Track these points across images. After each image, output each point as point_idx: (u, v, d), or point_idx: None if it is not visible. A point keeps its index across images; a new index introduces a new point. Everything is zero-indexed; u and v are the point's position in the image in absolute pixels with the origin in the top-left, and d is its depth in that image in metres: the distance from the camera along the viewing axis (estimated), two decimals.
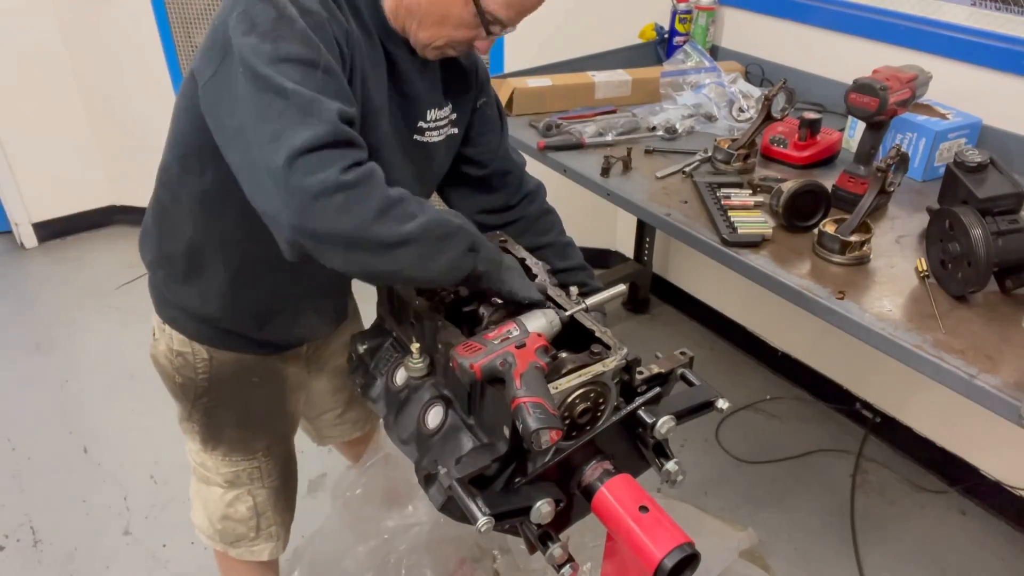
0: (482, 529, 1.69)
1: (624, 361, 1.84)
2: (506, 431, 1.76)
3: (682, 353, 2.01)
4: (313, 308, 2.43)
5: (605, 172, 3.13)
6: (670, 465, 1.88)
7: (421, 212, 1.76)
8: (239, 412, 2.51)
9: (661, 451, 1.91)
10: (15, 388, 4.74)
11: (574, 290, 2.10)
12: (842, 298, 2.41)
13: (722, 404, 1.95)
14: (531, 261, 2.20)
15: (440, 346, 1.98)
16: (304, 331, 2.49)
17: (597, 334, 1.92)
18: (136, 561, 3.68)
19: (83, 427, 4.44)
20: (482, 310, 2.08)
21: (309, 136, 1.61)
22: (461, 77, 2.28)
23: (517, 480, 1.81)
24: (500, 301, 2.04)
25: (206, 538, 2.72)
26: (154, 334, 2.45)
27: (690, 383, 2.00)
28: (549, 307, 2.00)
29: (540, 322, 1.91)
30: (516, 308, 1.99)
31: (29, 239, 6.21)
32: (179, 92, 2.06)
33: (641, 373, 1.91)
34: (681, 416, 1.91)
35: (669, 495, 3.11)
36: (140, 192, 6.17)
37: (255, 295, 2.27)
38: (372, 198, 1.67)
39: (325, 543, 3.05)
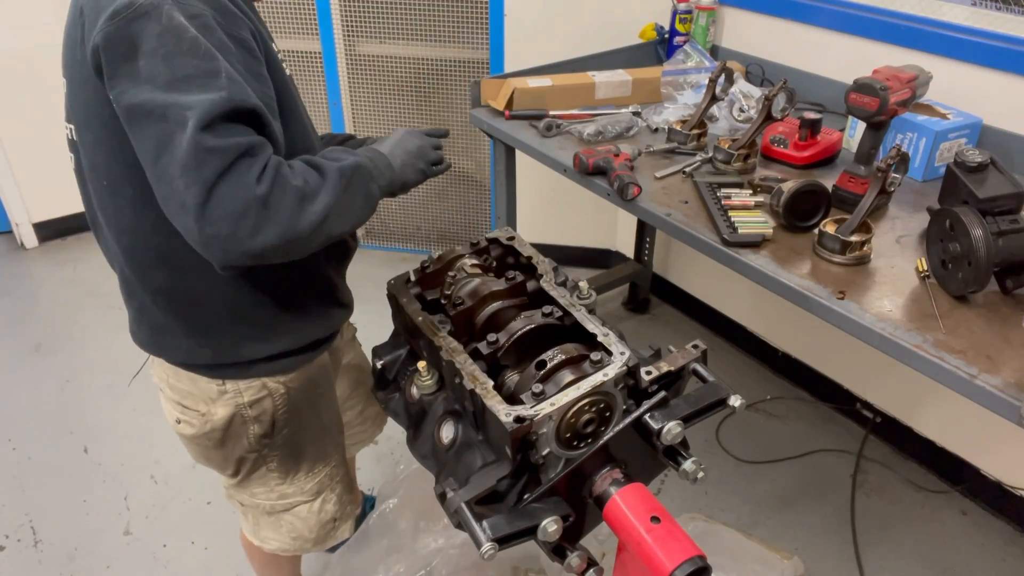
0: (486, 555, 1.68)
1: (626, 367, 1.83)
2: (508, 450, 1.75)
3: (694, 346, 2.00)
4: (332, 274, 2.42)
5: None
6: (687, 465, 1.87)
7: (319, 178, 1.90)
8: (314, 426, 2.56)
9: (675, 452, 1.90)
10: (16, 388, 4.75)
11: (584, 284, 2.09)
12: (842, 298, 2.40)
13: (735, 401, 1.93)
14: (537, 259, 2.19)
15: (444, 363, 1.97)
16: (345, 300, 2.51)
17: (599, 337, 1.91)
18: (136, 561, 3.68)
19: (83, 427, 4.44)
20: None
21: (211, 173, 1.69)
22: None
23: (526, 496, 1.80)
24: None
25: (294, 551, 2.80)
26: (194, 409, 2.37)
27: (703, 379, 1.98)
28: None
29: None
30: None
31: (29, 239, 6.22)
32: (92, 135, 2.01)
33: (649, 373, 1.90)
34: (691, 417, 1.89)
35: (714, 518, 3.10)
36: None
37: (313, 292, 2.35)
38: (287, 195, 1.78)
39: (357, 557, 3.04)
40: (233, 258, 1.74)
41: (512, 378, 1.96)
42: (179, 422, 2.42)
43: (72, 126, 2.08)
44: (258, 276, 2.16)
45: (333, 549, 3.06)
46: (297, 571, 3.23)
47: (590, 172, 3.01)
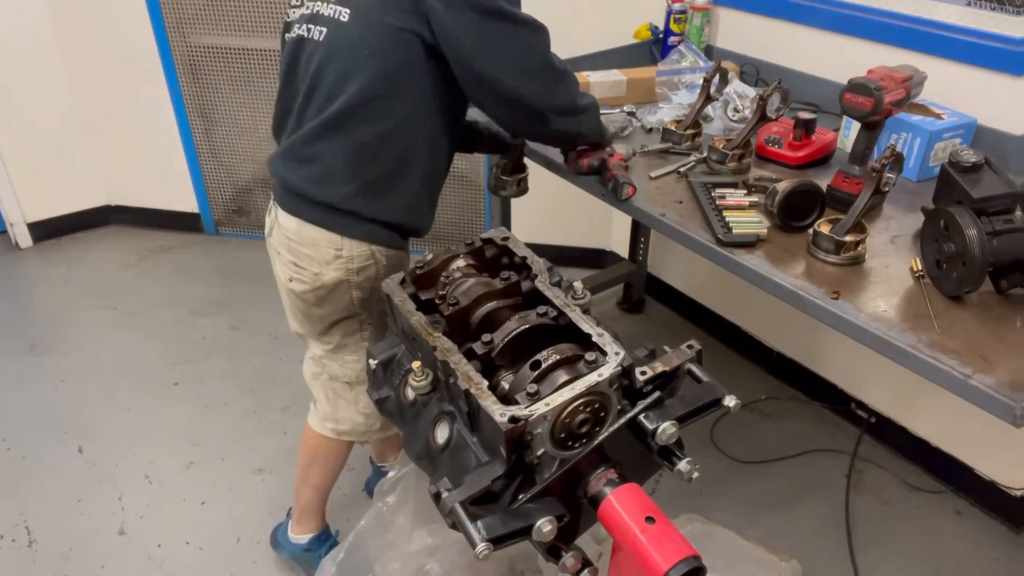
0: (480, 556, 1.68)
1: (620, 368, 1.83)
2: (502, 450, 1.75)
3: (689, 347, 2.00)
4: (437, 193, 2.92)
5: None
6: (682, 465, 1.87)
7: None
8: None
9: (670, 452, 1.90)
10: (10, 388, 4.74)
11: (578, 285, 2.10)
12: (837, 298, 2.40)
13: (730, 402, 1.93)
14: (531, 259, 2.19)
15: (439, 364, 1.97)
16: (433, 219, 2.94)
17: (594, 338, 1.91)
18: (131, 561, 3.68)
19: (78, 427, 4.44)
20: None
21: (545, 45, 2.54)
22: None
23: (521, 496, 1.80)
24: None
25: (364, 431, 3.19)
26: (308, 268, 2.74)
27: (697, 379, 1.98)
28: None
29: None
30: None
31: (24, 239, 6.21)
32: (373, 19, 2.47)
33: (644, 373, 1.90)
34: (686, 418, 1.89)
35: (709, 519, 3.11)
36: (136, 191, 6.18)
37: (436, 185, 2.84)
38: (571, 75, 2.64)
39: (353, 555, 3.04)
40: (552, 108, 2.60)
41: (507, 378, 1.96)
42: (291, 280, 2.80)
43: (345, 8, 2.52)
44: (429, 164, 2.72)
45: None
46: (334, 483, 3.49)
47: (584, 172, 3.01)
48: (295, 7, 2.69)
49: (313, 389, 3.18)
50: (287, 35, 2.72)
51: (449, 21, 2.37)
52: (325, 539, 3.53)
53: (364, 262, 2.72)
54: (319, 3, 2.57)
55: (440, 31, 2.40)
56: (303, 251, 2.72)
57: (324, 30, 2.54)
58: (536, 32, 2.53)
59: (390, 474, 2.88)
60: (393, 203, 2.68)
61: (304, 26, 2.61)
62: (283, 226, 2.76)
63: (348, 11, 2.49)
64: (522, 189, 3.28)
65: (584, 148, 3.00)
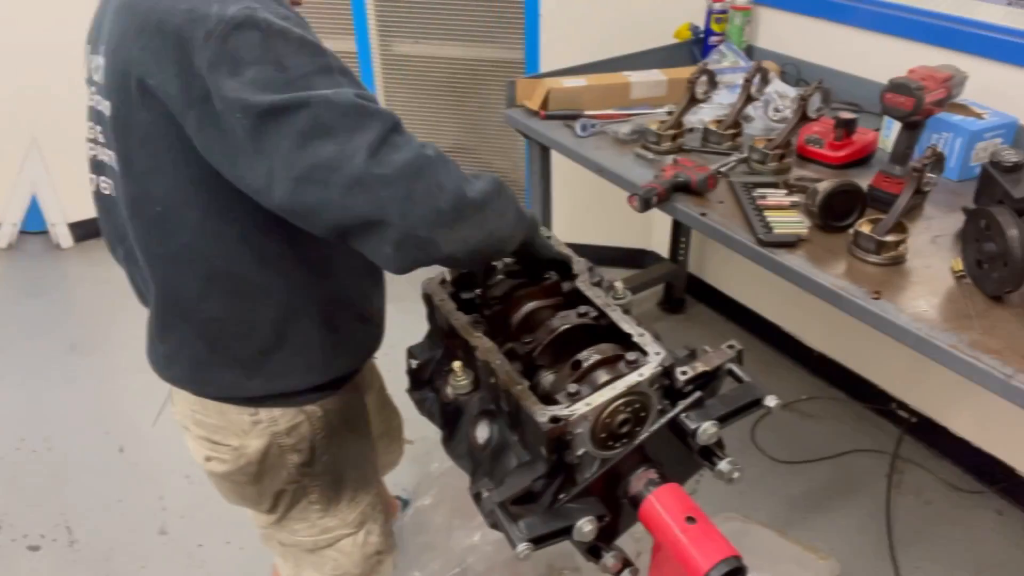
0: (521, 556, 1.68)
1: (661, 367, 1.83)
2: (543, 450, 1.76)
3: (730, 346, 2.00)
4: (379, 297, 2.39)
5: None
6: (723, 465, 1.86)
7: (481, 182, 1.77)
8: (353, 450, 2.50)
9: (711, 452, 1.90)
10: (51, 389, 4.78)
11: (619, 285, 2.09)
12: (878, 298, 2.40)
13: (771, 402, 1.92)
14: (572, 260, 2.19)
15: (480, 364, 1.97)
16: (380, 327, 2.43)
17: (634, 337, 1.91)
18: (172, 561, 3.71)
19: (118, 427, 4.47)
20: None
21: (377, 131, 1.61)
22: None
23: (561, 496, 1.80)
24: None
25: None
26: (225, 443, 2.27)
27: (738, 379, 1.98)
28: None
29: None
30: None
31: (65, 239, 6.25)
32: (149, 163, 1.89)
33: (685, 373, 1.89)
34: (726, 418, 1.89)
35: (749, 518, 3.11)
36: None
37: (348, 316, 2.25)
38: (449, 162, 1.70)
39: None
40: (407, 229, 1.61)
41: (547, 378, 1.96)
42: (209, 460, 2.33)
43: (112, 152, 1.95)
44: (316, 301, 2.11)
45: None
46: None
47: (668, 195, 2.98)
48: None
49: (270, 549, 2.76)
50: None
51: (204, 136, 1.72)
52: None
53: (292, 421, 2.24)
54: (97, 154, 2.08)
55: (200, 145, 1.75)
56: (212, 424, 2.26)
57: (99, 198, 2.17)
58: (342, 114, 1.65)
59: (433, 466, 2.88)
60: (298, 365, 2.17)
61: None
62: (182, 395, 2.29)
63: (117, 165, 1.96)
64: None
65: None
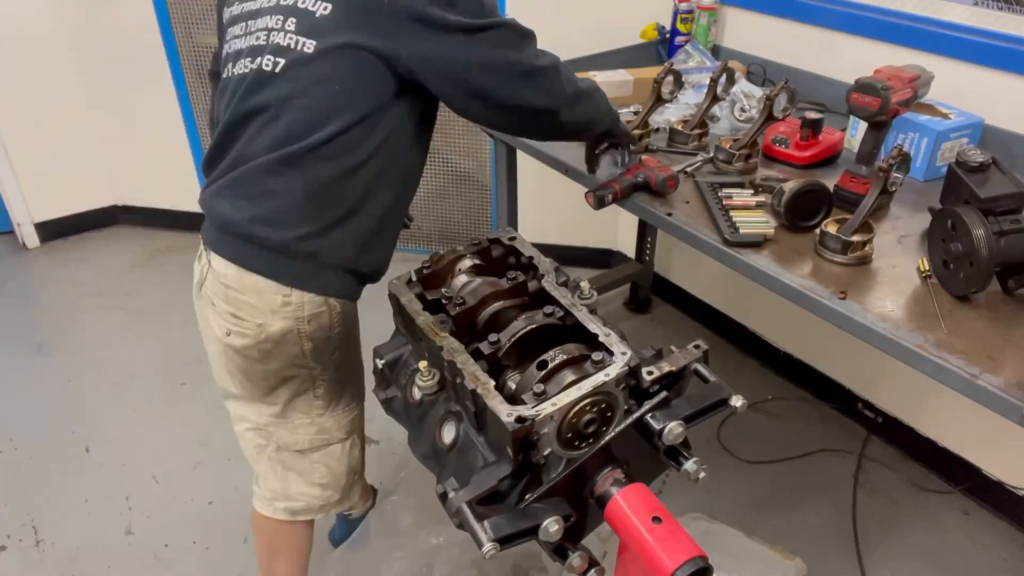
0: (487, 555, 1.68)
1: (627, 367, 1.83)
2: (509, 450, 1.75)
3: (696, 347, 2.00)
4: (394, 233, 2.67)
5: (591, 170, 3.13)
6: (689, 465, 1.87)
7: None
8: (355, 357, 2.74)
9: (677, 452, 1.90)
10: (17, 389, 4.75)
11: (585, 284, 2.10)
12: (844, 298, 2.40)
13: (737, 402, 1.93)
14: (538, 259, 2.19)
15: (446, 363, 1.97)
16: (392, 250, 2.67)
17: (600, 337, 1.91)
18: (139, 561, 3.69)
19: (85, 427, 4.45)
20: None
21: (531, 45, 2.41)
22: None
23: (527, 496, 1.80)
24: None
25: (321, 505, 2.89)
26: (250, 320, 2.46)
27: (704, 379, 1.98)
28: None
29: None
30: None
31: (31, 239, 6.22)
32: (344, 53, 2.24)
33: (651, 373, 1.90)
34: (692, 418, 1.89)
35: (715, 518, 3.11)
36: (143, 192, 6.19)
37: (395, 225, 2.60)
38: (567, 66, 2.51)
39: (358, 555, 3.04)
40: (566, 100, 2.48)
41: (513, 378, 1.96)
42: (229, 334, 2.49)
43: (308, 39, 2.26)
44: (388, 200, 2.46)
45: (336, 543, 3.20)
46: (307, 567, 3.14)
47: (627, 195, 2.99)
48: (237, 37, 2.44)
49: (256, 465, 2.86)
50: (231, 67, 2.44)
51: (436, 45, 2.22)
52: None
53: (316, 309, 2.47)
54: (276, 32, 2.32)
55: (426, 57, 2.25)
56: (244, 300, 2.44)
57: (282, 62, 2.30)
58: (520, 35, 2.39)
59: (399, 466, 2.87)
60: (352, 246, 2.44)
61: (256, 59, 2.34)
62: (219, 273, 2.45)
63: (313, 42, 2.25)
64: None
65: (607, 147, 2.96)
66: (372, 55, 2.21)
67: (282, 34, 2.30)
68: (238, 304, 2.44)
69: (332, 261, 2.42)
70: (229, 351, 2.54)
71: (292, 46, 2.28)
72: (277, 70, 2.29)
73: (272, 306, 2.41)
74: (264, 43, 2.33)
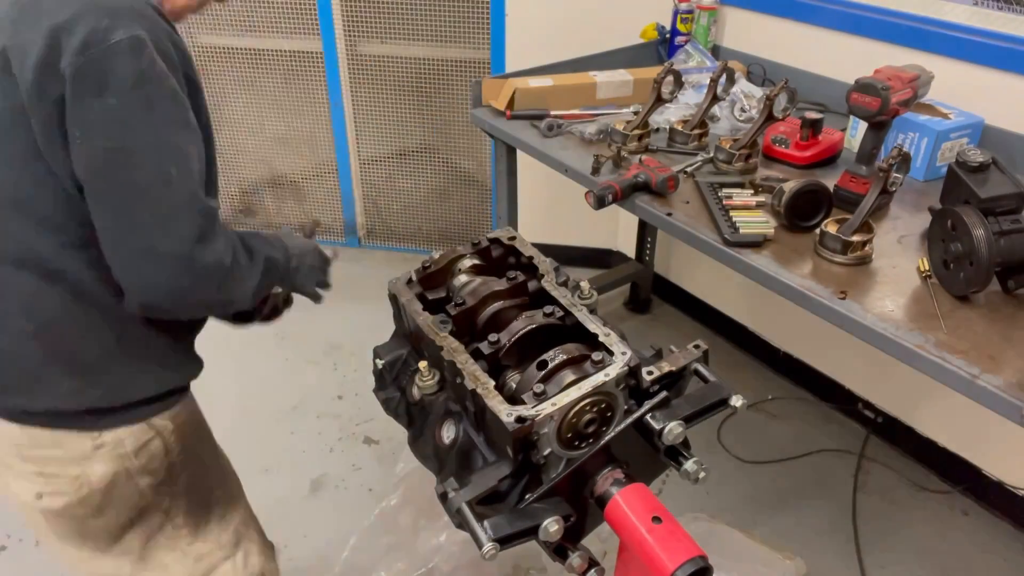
0: (487, 556, 1.68)
1: (627, 367, 1.83)
2: (509, 450, 1.75)
3: (696, 346, 2.00)
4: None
5: (595, 171, 3.13)
6: (689, 465, 1.86)
7: (249, 260, 2.02)
8: (211, 463, 2.43)
9: (677, 452, 1.90)
10: None
11: (585, 284, 2.09)
12: (844, 298, 2.40)
13: (736, 401, 1.92)
14: (538, 259, 2.19)
15: (446, 363, 1.97)
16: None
17: (600, 337, 1.91)
18: None
19: None
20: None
21: (196, 229, 1.80)
22: None
23: (527, 496, 1.80)
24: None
25: None
26: (61, 476, 2.05)
27: (704, 379, 1.98)
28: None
29: None
30: None
31: None
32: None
33: (651, 373, 1.89)
34: (692, 418, 1.89)
35: (715, 518, 3.12)
36: None
37: (194, 327, 2.24)
38: (239, 268, 1.96)
39: (358, 555, 3.04)
40: (175, 306, 1.90)
41: (513, 378, 1.96)
42: (41, 496, 2.08)
43: None
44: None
45: None
46: None
47: (627, 195, 2.99)
48: None
49: None
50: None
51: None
52: None
53: (141, 439, 2.10)
54: None
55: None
56: (45, 455, 2.04)
57: None
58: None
59: (399, 466, 2.86)
60: (149, 367, 2.09)
61: None
62: (2, 434, 2.05)
63: None
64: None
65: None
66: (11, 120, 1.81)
67: None
68: (40, 461, 2.05)
69: (128, 400, 2.06)
70: (49, 516, 2.14)
71: None
72: None
73: (82, 452, 2.04)
74: None
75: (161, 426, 2.12)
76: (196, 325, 2.24)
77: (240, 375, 4.75)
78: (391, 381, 2.29)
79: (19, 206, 1.86)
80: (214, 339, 2.40)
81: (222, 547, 2.39)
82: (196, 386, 2.28)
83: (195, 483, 2.29)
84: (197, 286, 1.84)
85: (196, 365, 2.26)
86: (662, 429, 1.82)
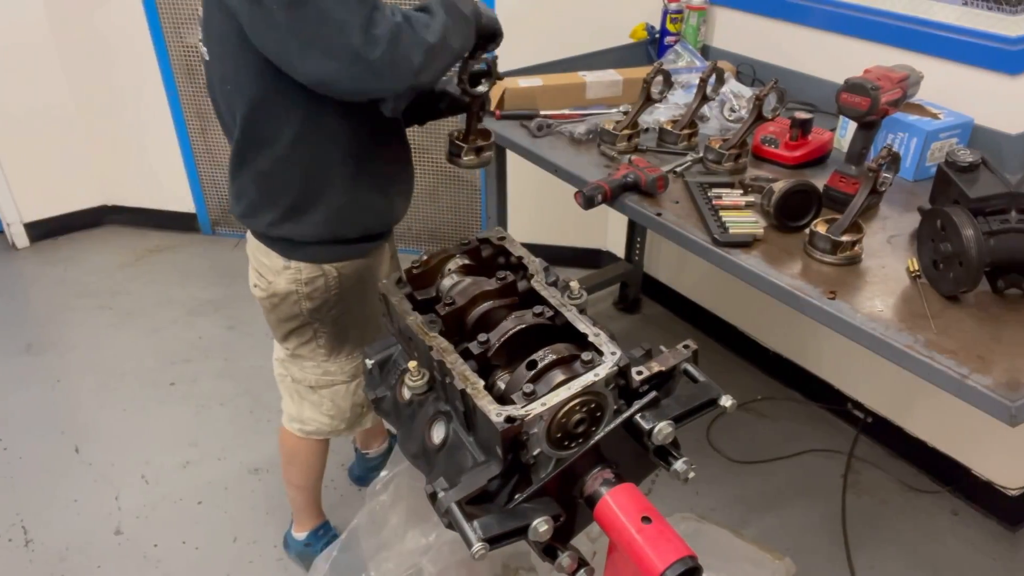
0: (476, 555, 1.68)
1: (617, 367, 1.83)
2: (498, 450, 1.75)
3: (685, 346, 2.00)
4: (396, 185, 2.93)
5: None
6: (678, 465, 1.86)
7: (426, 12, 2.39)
8: (358, 313, 3.00)
9: (666, 452, 1.90)
10: (7, 388, 4.75)
11: (575, 284, 2.09)
12: (833, 298, 2.40)
13: (726, 402, 1.93)
14: (528, 259, 2.19)
15: (435, 363, 1.97)
16: (397, 206, 2.97)
17: (590, 337, 1.91)
18: (128, 561, 3.68)
19: (74, 427, 4.45)
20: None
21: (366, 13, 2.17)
22: None
23: (517, 496, 1.80)
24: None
25: (330, 431, 3.25)
26: (265, 277, 2.86)
27: (694, 379, 1.98)
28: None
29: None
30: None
31: (21, 239, 6.21)
32: (221, 49, 2.47)
33: (640, 373, 1.89)
34: (682, 418, 1.89)
35: (705, 518, 3.11)
36: (132, 192, 6.18)
37: (377, 178, 2.77)
38: (413, 20, 2.29)
39: (346, 555, 3.03)
40: (399, 77, 2.28)
41: (503, 378, 1.96)
42: (255, 286, 2.93)
43: (205, 48, 2.55)
44: (342, 169, 2.63)
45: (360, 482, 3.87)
46: (320, 479, 3.59)
47: (616, 195, 2.99)
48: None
49: (280, 388, 3.28)
50: None
51: (258, 26, 2.22)
52: (323, 534, 3.66)
53: (312, 274, 2.81)
54: (201, 42, 2.62)
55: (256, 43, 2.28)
56: (261, 260, 2.85)
57: (206, 71, 2.66)
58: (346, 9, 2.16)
59: (382, 473, 2.87)
60: (323, 224, 2.71)
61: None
62: (248, 237, 2.91)
63: (206, 49, 2.56)
64: (483, 160, 3.17)
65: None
66: (229, 25, 2.32)
67: (200, 43, 2.62)
68: (259, 263, 2.87)
69: (308, 239, 2.74)
70: (257, 300, 2.96)
71: (203, 55, 2.60)
72: (206, 76, 2.68)
73: (277, 268, 2.80)
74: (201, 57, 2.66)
75: (328, 271, 2.81)
76: (377, 183, 2.79)
77: (231, 375, 4.74)
78: (381, 381, 2.29)
79: (238, 86, 2.47)
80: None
81: (343, 373, 3.12)
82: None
83: (339, 320, 2.97)
84: (397, 47, 2.22)
85: (377, 221, 2.89)
86: (651, 429, 1.82)
